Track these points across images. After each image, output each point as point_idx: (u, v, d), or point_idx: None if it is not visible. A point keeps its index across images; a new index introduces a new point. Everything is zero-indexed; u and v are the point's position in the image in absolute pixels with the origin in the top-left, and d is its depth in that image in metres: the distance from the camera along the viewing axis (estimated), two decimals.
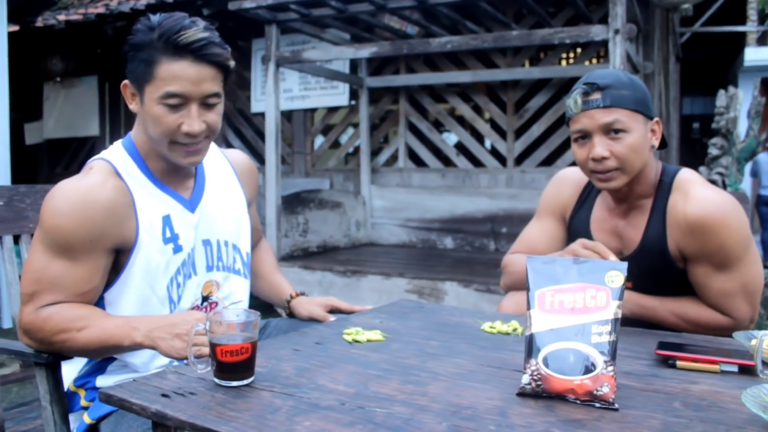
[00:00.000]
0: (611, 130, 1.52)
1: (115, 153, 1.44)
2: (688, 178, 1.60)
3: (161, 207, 1.44)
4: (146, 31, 1.34)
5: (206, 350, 1.12)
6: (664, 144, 1.65)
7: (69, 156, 7.54)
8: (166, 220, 1.44)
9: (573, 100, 1.55)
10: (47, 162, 7.70)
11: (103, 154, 1.45)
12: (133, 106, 1.40)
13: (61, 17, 6.38)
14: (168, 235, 1.43)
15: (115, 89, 7.13)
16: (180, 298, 1.47)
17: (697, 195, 1.54)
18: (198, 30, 1.32)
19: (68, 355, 1.40)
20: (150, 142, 1.42)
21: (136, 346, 1.31)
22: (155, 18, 1.35)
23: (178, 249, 1.45)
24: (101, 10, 6.12)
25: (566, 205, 1.79)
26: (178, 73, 1.31)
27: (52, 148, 7.61)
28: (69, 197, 1.34)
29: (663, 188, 1.61)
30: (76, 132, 7.27)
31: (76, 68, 6.96)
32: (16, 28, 6.51)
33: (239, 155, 1.71)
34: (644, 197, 1.63)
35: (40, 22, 6.51)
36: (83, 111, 7.19)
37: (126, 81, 1.39)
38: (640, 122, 1.53)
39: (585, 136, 1.55)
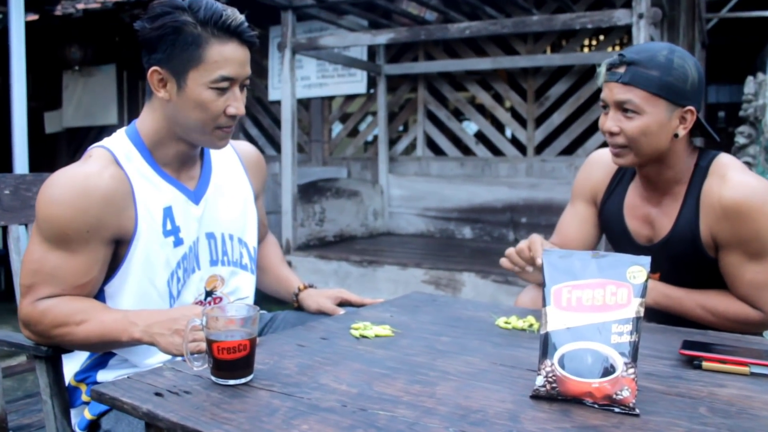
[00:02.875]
0: (624, 108, 1.47)
1: (117, 141, 1.40)
2: (726, 162, 1.53)
3: (163, 198, 1.39)
4: (178, 14, 1.28)
5: (204, 346, 1.07)
6: (711, 137, 1.58)
7: (88, 144, 7.38)
8: (167, 212, 1.39)
9: (602, 69, 1.52)
10: (66, 150, 7.73)
11: (104, 141, 1.40)
12: (162, 94, 1.32)
13: (80, 6, 6.37)
14: (169, 227, 1.38)
15: (133, 78, 7.13)
16: (180, 293, 1.42)
17: (734, 179, 1.47)
18: (235, 12, 1.31)
19: (68, 349, 1.37)
20: (172, 129, 1.36)
21: (135, 342, 1.26)
22: (178, 0, 1.30)
23: (179, 242, 1.40)
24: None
25: (597, 188, 1.74)
26: (229, 56, 1.30)
27: (71, 137, 7.64)
28: (66, 186, 1.29)
29: (699, 173, 1.54)
30: (95, 120, 7.28)
31: (94, 57, 6.95)
32: (35, 17, 6.52)
33: (248, 147, 1.66)
34: (677, 183, 1.57)
35: (59, 11, 6.50)
36: (102, 99, 7.20)
37: (156, 67, 1.31)
38: (660, 107, 1.45)
39: (606, 106, 1.52)
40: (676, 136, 1.50)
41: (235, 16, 1.31)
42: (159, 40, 1.29)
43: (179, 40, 1.28)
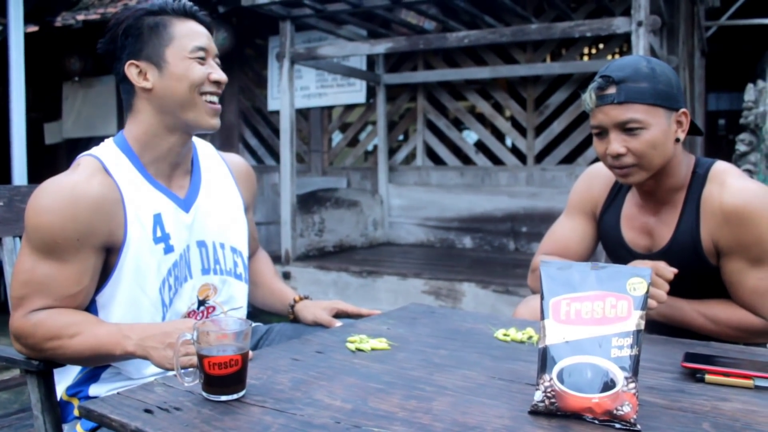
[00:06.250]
0: (627, 128, 1.44)
1: (105, 149, 1.39)
2: (724, 169, 1.53)
3: (152, 205, 1.38)
4: (132, 12, 1.36)
5: (196, 359, 1.05)
6: (699, 132, 1.57)
7: None
8: (157, 219, 1.38)
9: (588, 95, 1.48)
10: (66, 161, 7.71)
11: (93, 150, 1.40)
12: (143, 83, 1.36)
13: (80, 17, 6.38)
14: (159, 234, 1.37)
15: None
16: (172, 301, 1.41)
17: (734, 184, 1.46)
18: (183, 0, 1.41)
19: (61, 363, 1.35)
20: (162, 121, 1.37)
21: (128, 356, 1.25)
22: (128, 6, 1.39)
23: (169, 249, 1.39)
24: (119, 9, 6.11)
25: (597, 202, 1.72)
26: (195, 31, 1.39)
27: (71, 148, 7.62)
28: (54, 195, 1.28)
29: (697, 180, 1.53)
30: (95, 131, 7.27)
31: (94, 68, 6.96)
32: (35, 28, 6.53)
33: (237, 159, 1.67)
34: (675, 191, 1.55)
35: (58, 22, 6.51)
36: (101, 110, 7.20)
37: (131, 61, 1.36)
38: (660, 116, 1.44)
39: (602, 131, 1.48)
40: (677, 140, 1.49)
41: (185, 2, 1.41)
42: (124, 37, 1.36)
43: (144, 28, 1.35)
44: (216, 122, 1.41)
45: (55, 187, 1.30)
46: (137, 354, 1.23)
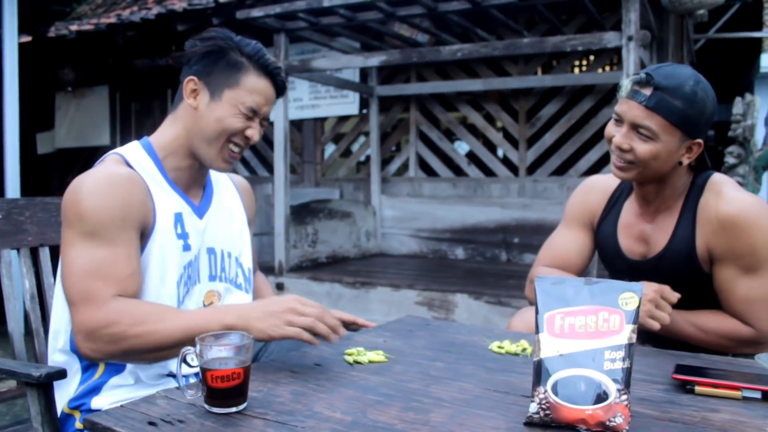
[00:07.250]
0: (639, 131, 1.48)
1: (130, 149, 1.46)
2: (721, 179, 1.58)
3: (173, 204, 1.45)
4: (227, 41, 1.44)
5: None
6: (705, 166, 1.61)
7: (80, 165, 7.54)
8: (178, 217, 1.44)
9: (626, 83, 1.52)
10: (59, 171, 7.72)
11: (117, 149, 1.47)
12: (191, 101, 1.44)
13: (73, 27, 6.40)
14: (179, 231, 1.44)
15: (125, 99, 7.15)
16: (184, 299, 1.45)
17: (730, 194, 1.51)
18: (276, 60, 1.44)
19: (132, 358, 1.32)
20: (189, 140, 1.44)
21: (227, 330, 1.22)
22: (231, 33, 1.46)
23: (187, 248, 1.45)
24: (113, 20, 6.13)
25: (594, 213, 1.77)
26: (262, 91, 1.44)
27: (63, 158, 7.63)
28: (92, 182, 1.33)
29: (695, 189, 1.58)
30: (88, 141, 7.29)
31: (87, 78, 6.98)
32: (28, 38, 6.54)
33: (241, 179, 1.76)
34: (673, 199, 1.60)
35: (52, 33, 6.53)
36: (94, 121, 7.21)
37: (193, 77, 1.43)
38: (674, 136, 1.48)
39: (620, 120, 1.53)
40: (680, 163, 1.53)
41: (274, 60, 1.47)
42: (204, 55, 1.44)
43: (222, 60, 1.43)
44: (226, 167, 1.48)
45: (90, 178, 1.34)
46: (238, 326, 1.24)
